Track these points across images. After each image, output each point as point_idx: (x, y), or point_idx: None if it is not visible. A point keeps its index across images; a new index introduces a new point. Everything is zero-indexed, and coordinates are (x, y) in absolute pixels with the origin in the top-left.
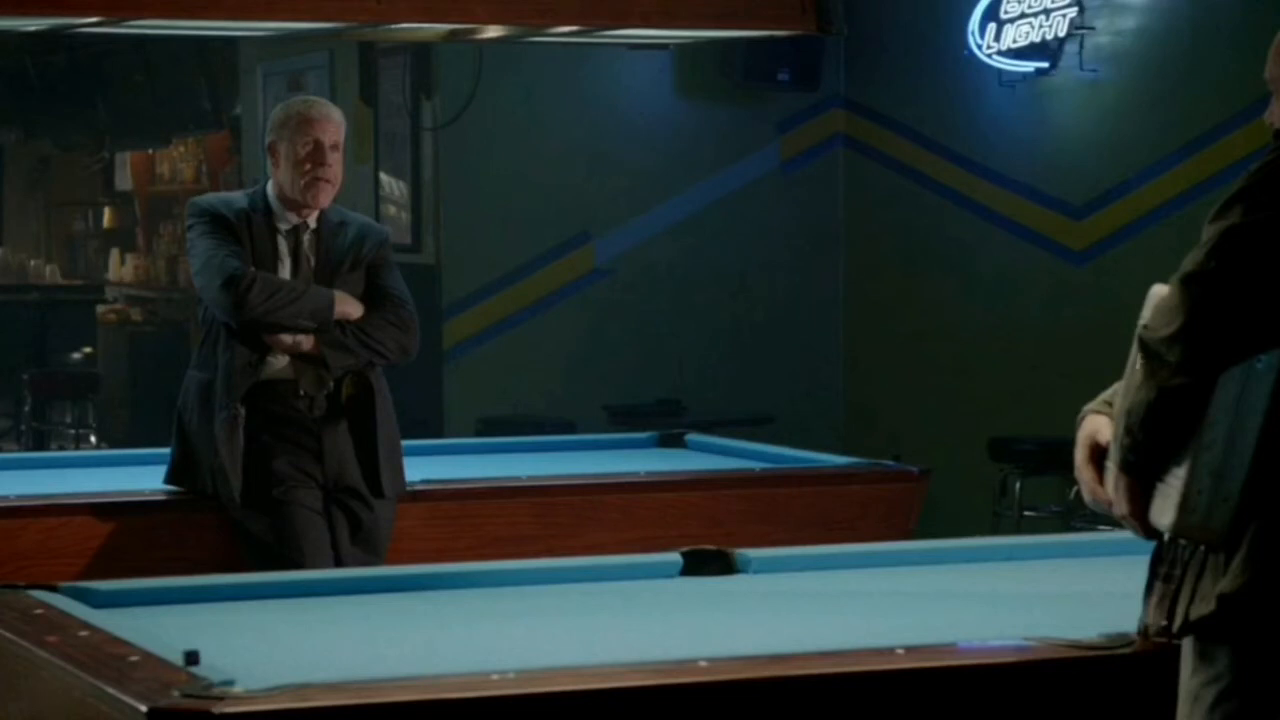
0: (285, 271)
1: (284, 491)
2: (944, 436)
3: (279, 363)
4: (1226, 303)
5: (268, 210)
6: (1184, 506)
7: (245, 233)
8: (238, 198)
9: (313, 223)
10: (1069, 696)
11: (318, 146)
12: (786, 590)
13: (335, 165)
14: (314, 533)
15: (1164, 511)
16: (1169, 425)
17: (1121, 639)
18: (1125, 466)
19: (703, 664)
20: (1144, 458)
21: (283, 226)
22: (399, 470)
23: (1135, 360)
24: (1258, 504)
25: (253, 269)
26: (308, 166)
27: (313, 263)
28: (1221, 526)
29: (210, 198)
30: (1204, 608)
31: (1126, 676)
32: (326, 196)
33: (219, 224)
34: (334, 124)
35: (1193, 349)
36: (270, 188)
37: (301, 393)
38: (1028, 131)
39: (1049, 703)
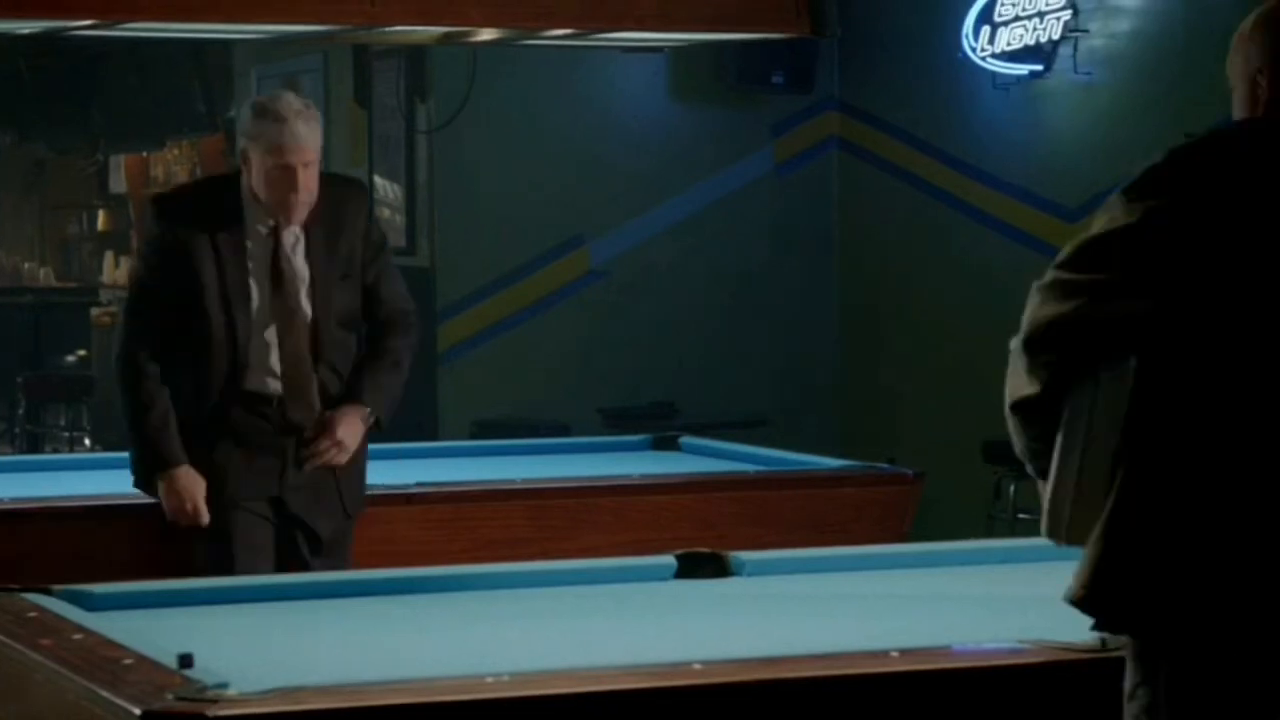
0: (262, 285)
1: (231, 503)
2: (938, 439)
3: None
4: (1059, 314)
5: (238, 211)
6: (1052, 513)
7: (208, 254)
8: (201, 209)
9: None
10: (1063, 699)
11: (288, 170)
12: (780, 593)
13: (310, 182)
14: (256, 544)
15: (1041, 516)
16: (1030, 432)
17: (1115, 642)
18: (1033, 473)
19: (697, 667)
20: (1030, 464)
21: (260, 228)
22: (360, 489)
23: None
24: (1117, 514)
25: (149, 378)
26: (278, 192)
27: (294, 265)
28: (1084, 534)
29: (168, 221)
30: (1074, 592)
31: (1120, 679)
32: (300, 215)
33: (155, 278)
34: (304, 142)
35: (1030, 358)
36: (244, 184)
37: (285, 415)
38: (1022, 134)
39: (1043, 705)
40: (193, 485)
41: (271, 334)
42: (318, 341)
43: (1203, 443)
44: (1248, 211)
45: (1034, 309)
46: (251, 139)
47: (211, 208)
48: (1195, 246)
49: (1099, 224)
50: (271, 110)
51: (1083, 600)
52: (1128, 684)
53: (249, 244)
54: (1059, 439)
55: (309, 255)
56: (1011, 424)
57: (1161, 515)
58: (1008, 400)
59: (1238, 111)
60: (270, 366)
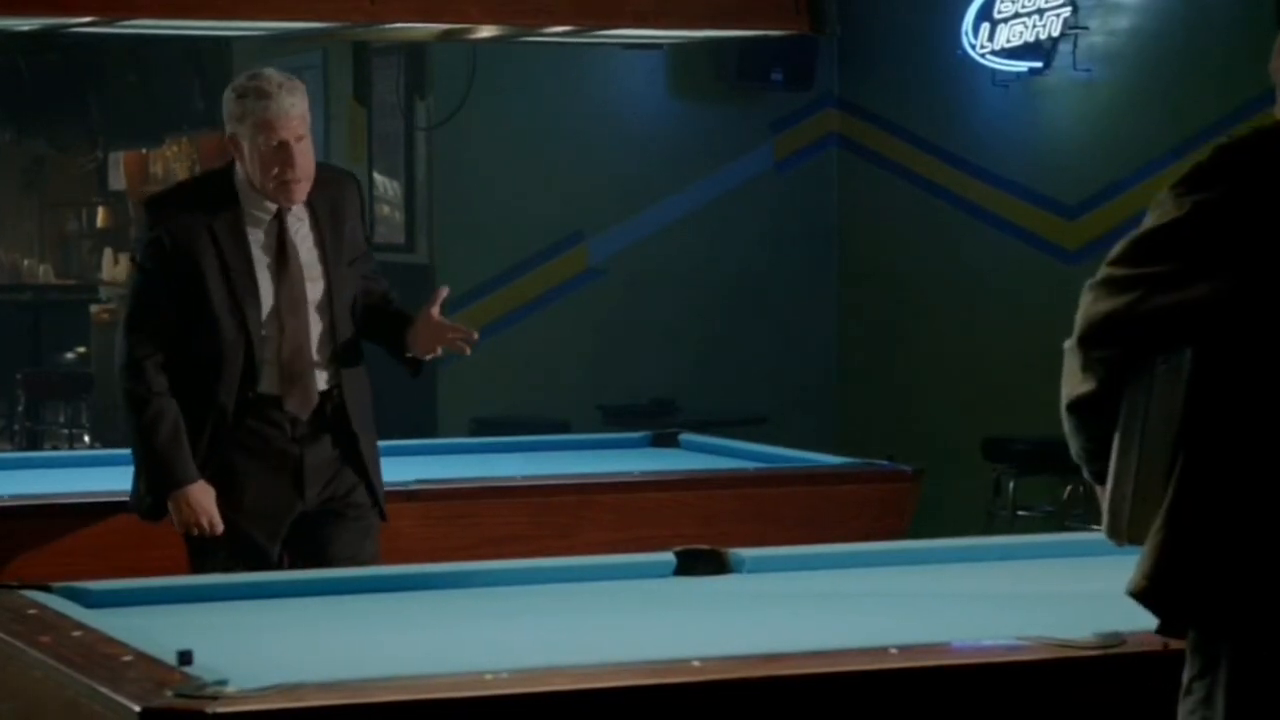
0: (265, 276)
1: (246, 521)
2: (937, 436)
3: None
4: (1113, 309)
5: (234, 204)
6: (1111, 511)
7: (208, 247)
8: (197, 207)
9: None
10: (1062, 696)
11: (282, 147)
12: (780, 590)
13: (304, 157)
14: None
15: (1102, 517)
16: (1086, 432)
17: (1114, 639)
18: (1090, 477)
19: (696, 664)
20: (1087, 466)
21: (262, 215)
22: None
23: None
24: (1177, 504)
25: (156, 392)
26: (275, 170)
27: (301, 252)
28: (1144, 531)
29: (163, 220)
30: (1136, 584)
31: (1119, 677)
32: (301, 193)
33: (156, 285)
34: (296, 116)
35: (1085, 355)
36: (239, 174)
37: (285, 409)
38: (1021, 131)
39: (1041, 702)
40: (206, 500)
41: (277, 325)
42: (332, 330)
43: (1262, 430)
44: None
45: (1088, 306)
46: (238, 121)
47: (207, 201)
48: (1247, 237)
49: (1150, 220)
50: (254, 88)
51: (1145, 591)
52: (1185, 677)
53: (250, 233)
54: (1116, 437)
55: (320, 241)
56: (1068, 425)
57: (1223, 503)
58: (1064, 400)
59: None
60: (278, 361)
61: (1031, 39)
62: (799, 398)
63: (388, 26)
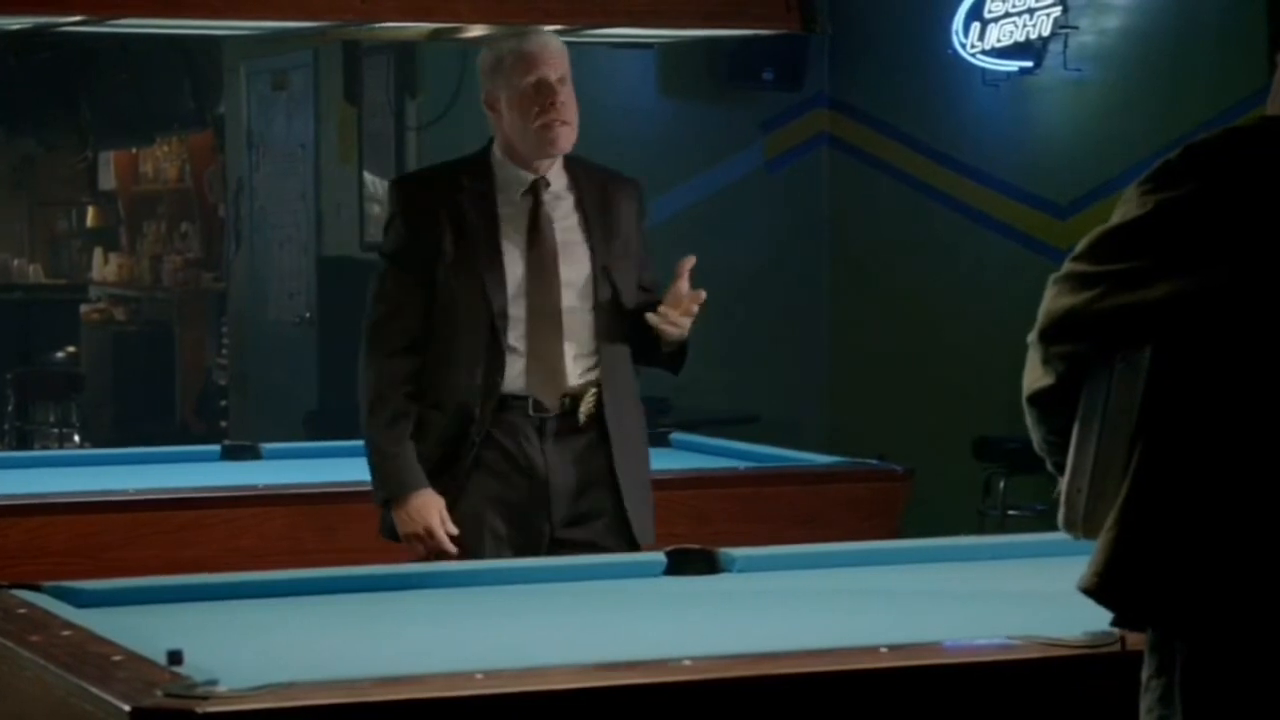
0: (514, 251)
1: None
2: (929, 436)
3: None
4: (1074, 305)
5: (486, 176)
6: (1068, 504)
7: (449, 224)
8: (443, 182)
9: (555, 177)
10: (1053, 695)
11: (542, 84)
12: (771, 589)
13: (569, 100)
14: None
15: (1058, 509)
16: (1046, 425)
17: (1105, 638)
18: (1051, 469)
19: (687, 663)
20: (1048, 459)
21: (516, 187)
22: (648, 515)
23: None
24: (1130, 501)
25: (394, 394)
26: (536, 110)
27: (558, 230)
28: (1099, 525)
29: (407, 200)
30: (1087, 580)
31: (1110, 675)
32: (567, 140)
33: (397, 270)
34: (555, 53)
35: (1045, 349)
36: (495, 149)
37: (530, 412)
38: (1012, 131)
39: (1033, 701)
40: (428, 509)
41: (524, 305)
42: (595, 321)
43: (1218, 427)
44: (1265, 200)
45: (1050, 300)
46: (492, 71)
47: (455, 176)
48: (1211, 237)
49: (1115, 217)
50: (510, 35)
51: (1096, 588)
52: (1144, 675)
53: (500, 206)
54: (1074, 431)
55: (585, 223)
56: (1029, 418)
57: (1177, 502)
58: (1025, 393)
59: (1271, 108)
60: (525, 345)
61: (1022, 38)
62: (790, 397)
63: (378, 26)
